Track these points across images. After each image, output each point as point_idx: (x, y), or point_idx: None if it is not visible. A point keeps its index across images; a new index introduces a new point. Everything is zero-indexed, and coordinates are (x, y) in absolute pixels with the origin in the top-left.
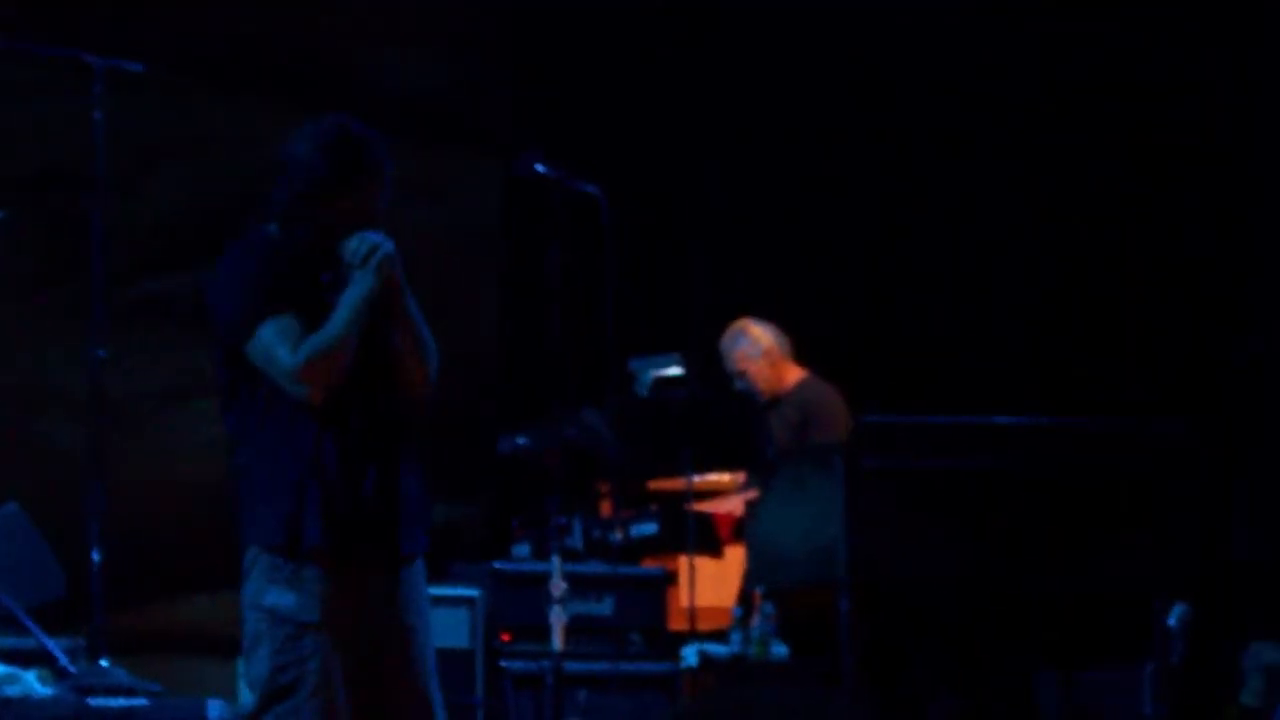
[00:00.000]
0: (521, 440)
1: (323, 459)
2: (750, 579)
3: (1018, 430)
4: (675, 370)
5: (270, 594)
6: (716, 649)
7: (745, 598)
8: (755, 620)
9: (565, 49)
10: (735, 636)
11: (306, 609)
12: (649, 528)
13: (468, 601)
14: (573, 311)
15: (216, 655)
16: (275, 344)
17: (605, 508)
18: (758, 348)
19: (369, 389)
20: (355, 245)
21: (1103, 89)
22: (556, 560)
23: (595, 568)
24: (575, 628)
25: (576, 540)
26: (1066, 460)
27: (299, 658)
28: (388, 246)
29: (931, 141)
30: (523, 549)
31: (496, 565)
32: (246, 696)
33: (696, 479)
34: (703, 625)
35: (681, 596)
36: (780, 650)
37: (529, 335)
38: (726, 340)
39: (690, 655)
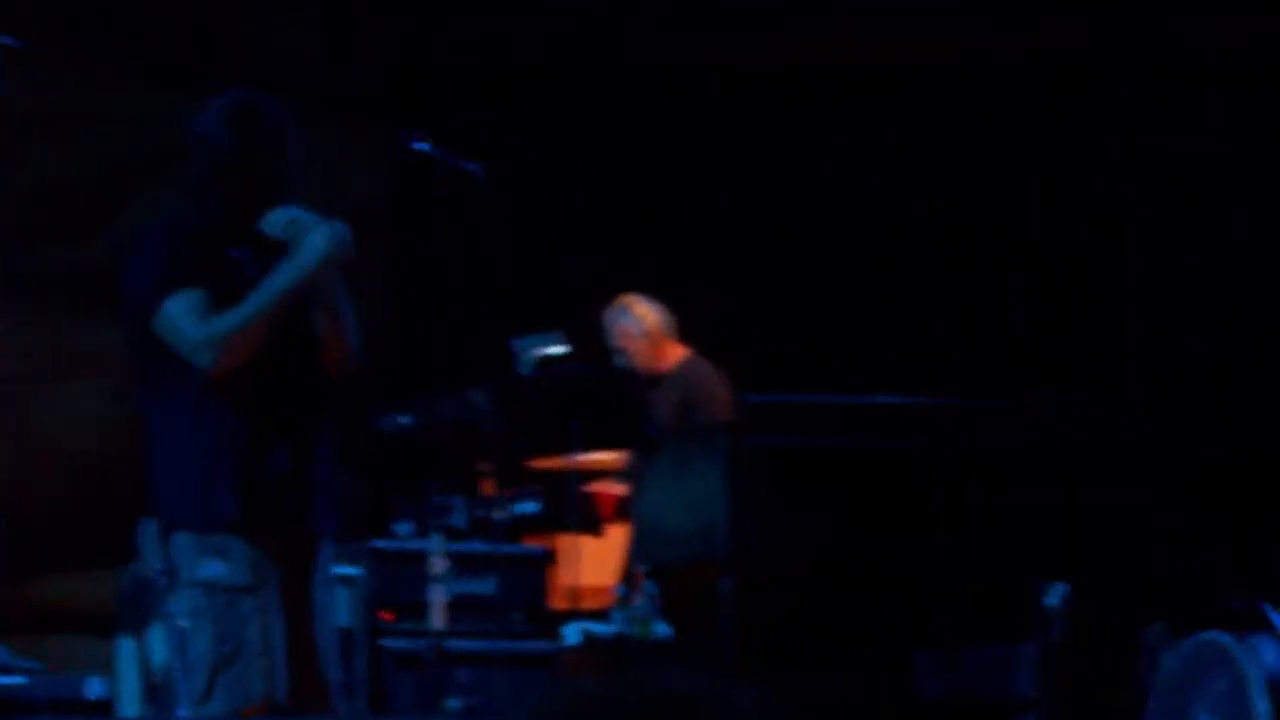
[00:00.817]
0: (403, 419)
1: (235, 436)
2: (633, 558)
3: (899, 409)
4: (558, 348)
5: (201, 567)
6: (599, 628)
7: (628, 576)
8: (638, 599)
9: (443, 18)
10: (618, 615)
11: (238, 573)
12: (531, 506)
13: (349, 580)
14: (457, 289)
15: (95, 633)
16: (182, 317)
17: (487, 486)
18: (640, 326)
19: (286, 366)
20: (282, 220)
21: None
22: (438, 539)
23: (477, 546)
24: (457, 606)
25: (458, 519)
26: (946, 439)
27: (238, 624)
28: (337, 229)
29: (818, 117)
30: (404, 527)
31: (377, 544)
32: (127, 673)
33: (580, 457)
34: (585, 604)
35: (564, 575)
36: (663, 629)
37: (413, 313)
38: (610, 314)
39: (572, 634)
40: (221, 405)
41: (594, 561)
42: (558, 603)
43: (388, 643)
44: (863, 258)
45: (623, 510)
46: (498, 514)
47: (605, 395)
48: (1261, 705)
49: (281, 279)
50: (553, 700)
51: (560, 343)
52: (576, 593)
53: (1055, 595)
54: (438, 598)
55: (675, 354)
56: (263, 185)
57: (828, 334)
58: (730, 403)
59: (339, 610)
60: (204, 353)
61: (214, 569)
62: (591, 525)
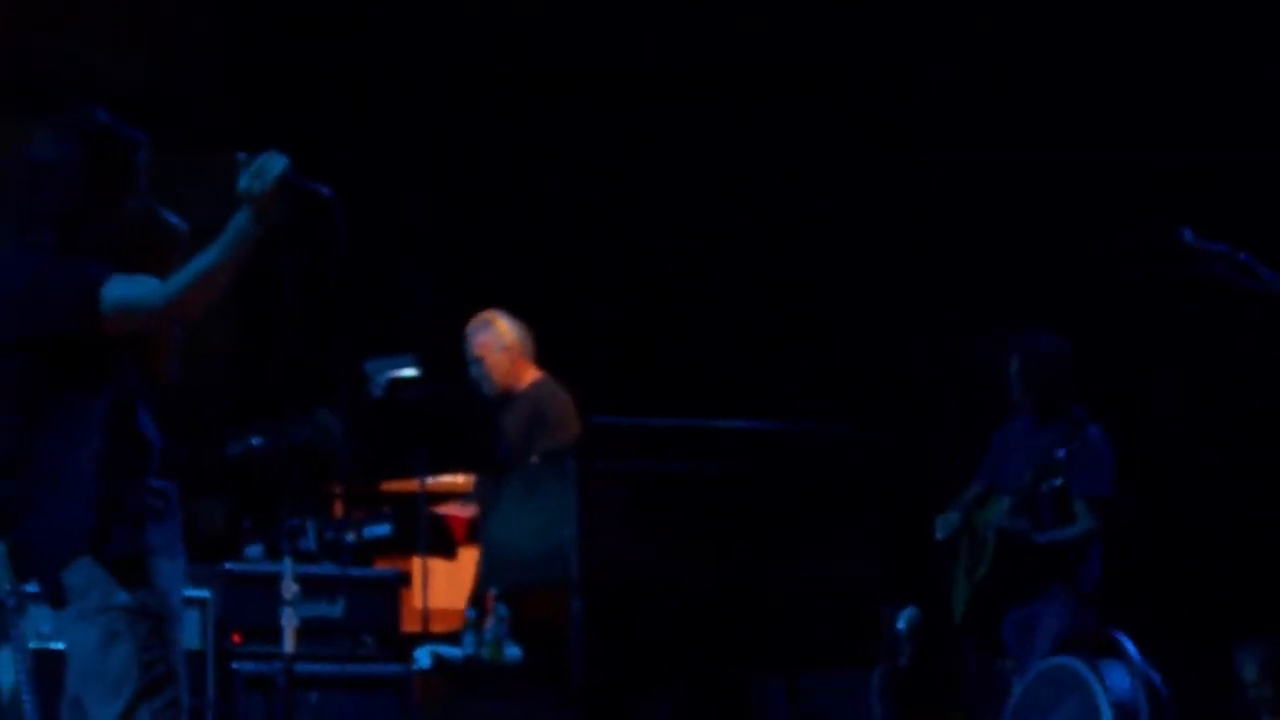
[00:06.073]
0: (254, 441)
1: (142, 456)
2: (484, 580)
3: (748, 433)
4: (410, 371)
5: (122, 593)
6: (450, 651)
7: (479, 599)
8: (489, 622)
9: (284, 41)
10: (468, 638)
11: (162, 602)
12: (382, 529)
13: (199, 603)
14: (307, 311)
15: None
16: (131, 287)
17: (338, 509)
18: (500, 341)
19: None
20: (251, 172)
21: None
22: (288, 561)
23: (327, 569)
24: (307, 629)
25: (309, 541)
26: (791, 463)
27: (165, 651)
28: (277, 161)
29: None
30: (255, 550)
31: (228, 566)
32: None
33: (430, 480)
34: (436, 627)
35: (415, 598)
36: (514, 652)
37: (262, 334)
38: (472, 326)
39: (423, 657)
40: (131, 429)
41: (445, 584)
42: (409, 625)
43: (237, 665)
44: (710, 281)
45: (473, 533)
46: (348, 537)
47: (456, 418)
48: None
49: (234, 224)
50: None
51: (412, 365)
52: (428, 615)
53: (904, 619)
54: (288, 620)
55: (530, 375)
56: (128, 200)
57: (676, 358)
58: (580, 426)
59: (189, 632)
60: (174, 304)
61: (136, 594)
62: (442, 548)
